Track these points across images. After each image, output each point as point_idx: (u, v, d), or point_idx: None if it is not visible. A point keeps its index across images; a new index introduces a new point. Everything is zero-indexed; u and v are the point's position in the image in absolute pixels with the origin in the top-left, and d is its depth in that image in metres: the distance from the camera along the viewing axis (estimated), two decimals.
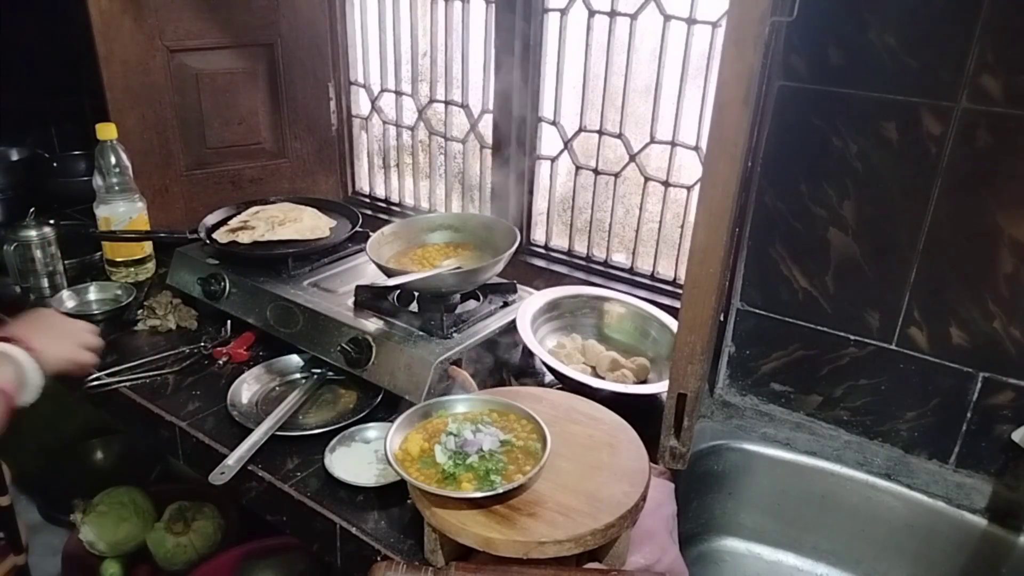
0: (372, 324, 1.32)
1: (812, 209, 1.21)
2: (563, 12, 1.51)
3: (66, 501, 1.85)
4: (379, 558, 1.00)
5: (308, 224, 1.55)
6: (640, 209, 1.56)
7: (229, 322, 1.48)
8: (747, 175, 1.19)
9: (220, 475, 1.12)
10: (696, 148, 1.44)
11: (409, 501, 1.06)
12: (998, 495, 1.18)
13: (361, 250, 1.53)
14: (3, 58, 1.95)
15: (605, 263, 1.63)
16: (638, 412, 1.13)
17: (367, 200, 2.02)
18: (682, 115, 1.43)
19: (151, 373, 1.36)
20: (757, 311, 1.32)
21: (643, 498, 0.95)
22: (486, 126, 1.70)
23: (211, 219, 1.63)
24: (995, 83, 1.04)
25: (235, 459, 1.14)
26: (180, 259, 1.58)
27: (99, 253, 1.70)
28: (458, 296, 1.37)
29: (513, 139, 1.62)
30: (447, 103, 1.77)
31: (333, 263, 1.55)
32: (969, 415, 1.19)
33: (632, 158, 1.53)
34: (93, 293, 1.60)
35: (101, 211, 1.60)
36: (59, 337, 1.17)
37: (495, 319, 1.37)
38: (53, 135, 2.15)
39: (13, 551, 1.38)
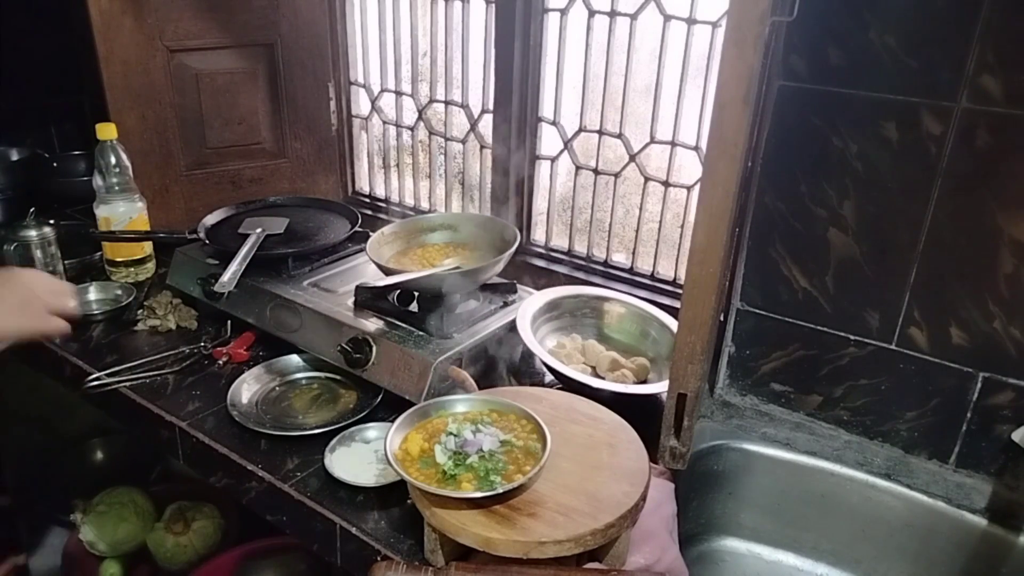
0: (372, 324, 1.32)
1: (812, 209, 1.21)
2: (563, 12, 1.51)
3: (66, 501, 1.85)
4: (379, 558, 1.00)
5: None
6: (640, 209, 1.56)
7: (229, 322, 1.48)
8: (747, 175, 1.19)
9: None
10: (696, 148, 1.44)
11: (409, 501, 1.06)
12: (998, 495, 1.18)
13: (361, 250, 1.53)
14: (3, 58, 1.95)
15: (605, 263, 1.63)
16: (638, 412, 1.13)
17: (367, 200, 2.02)
18: (682, 115, 1.43)
19: (151, 373, 1.36)
20: (757, 311, 1.32)
21: (643, 498, 0.95)
22: (486, 126, 1.70)
23: (211, 219, 1.63)
24: (995, 83, 1.04)
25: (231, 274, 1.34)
26: (180, 259, 1.58)
27: (99, 253, 1.70)
28: (458, 296, 1.37)
29: (513, 139, 1.62)
30: (447, 103, 1.77)
31: (333, 263, 1.55)
32: (969, 415, 1.19)
33: (632, 158, 1.53)
34: (93, 293, 1.60)
35: (101, 211, 1.60)
36: (22, 305, 1.04)
37: (495, 319, 1.37)
38: (53, 135, 2.15)
39: (13, 551, 1.38)
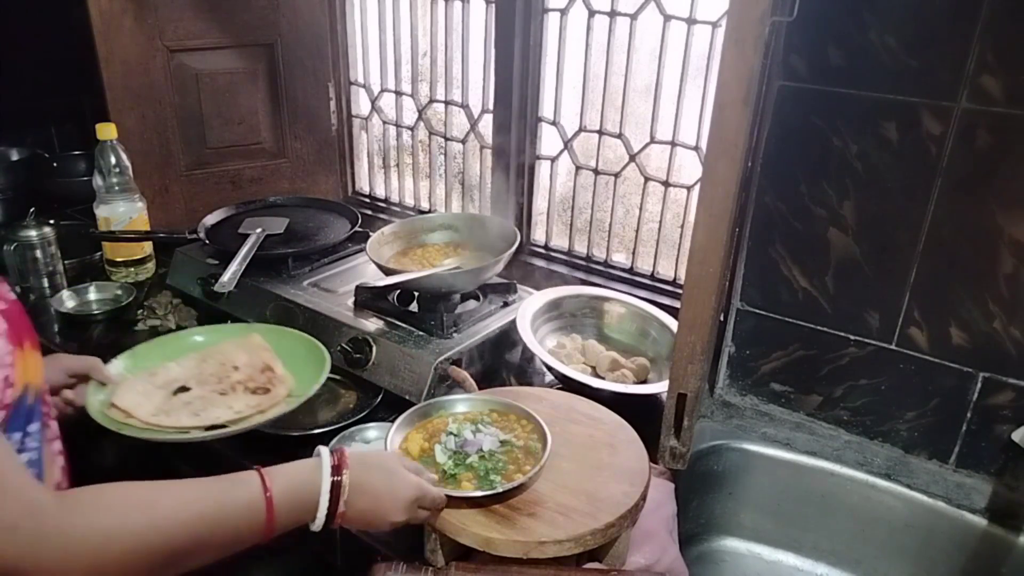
0: (372, 324, 1.32)
1: (812, 209, 1.21)
2: (563, 12, 1.51)
3: None
4: (379, 558, 0.99)
5: None
6: (640, 209, 1.56)
7: (229, 322, 1.48)
8: (747, 175, 1.19)
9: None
10: (696, 148, 1.44)
11: None
12: (998, 495, 1.18)
13: (361, 250, 1.53)
14: (3, 58, 1.95)
15: (605, 263, 1.63)
16: (638, 412, 1.13)
17: (367, 200, 2.02)
18: (682, 115, 1.43)
19: None
20: (757, 311, 1.32)
21: (643, 498, 0.95)
22: (486, 126, 1.70)
23: (211, 219, 1.63)
24: (995, 83, 1.04)
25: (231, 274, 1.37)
26: (180, 259, 1.59)
27: (99, 253, 1.70)
28: (458, 296, 1.37)
29: (513, 139, 1.62)
30: (447, 103, 1.77)
31: (333, 263, 1.55)
32: (969, 415, 1.19)
33: (632, 158, 1.53)
34: (93, 293, 1.60)
35: (101, 211, 1.60)
36: (385, 512, 0.87)
37: (495, 319, 1.37)
38: (53, 135, 2.16)
39: None
